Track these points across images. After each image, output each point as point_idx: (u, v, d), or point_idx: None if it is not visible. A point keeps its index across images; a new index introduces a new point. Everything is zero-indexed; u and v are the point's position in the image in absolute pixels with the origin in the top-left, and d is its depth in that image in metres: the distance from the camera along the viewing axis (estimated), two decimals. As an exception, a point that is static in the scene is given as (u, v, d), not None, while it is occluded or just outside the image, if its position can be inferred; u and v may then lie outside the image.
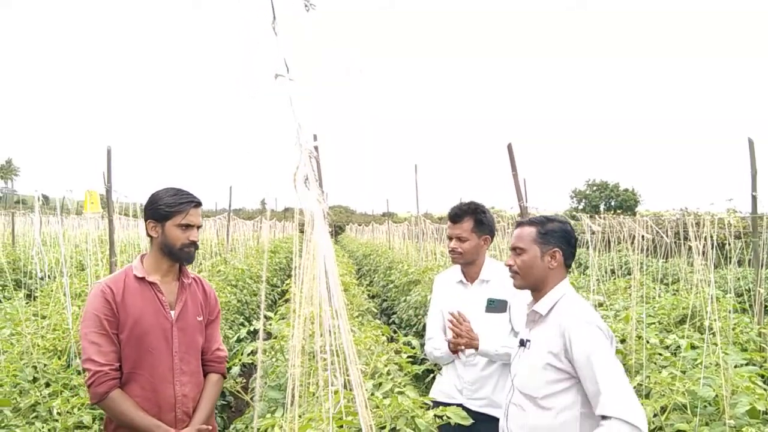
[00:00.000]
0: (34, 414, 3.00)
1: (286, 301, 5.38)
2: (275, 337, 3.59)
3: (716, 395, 2.67)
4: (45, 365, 3.45)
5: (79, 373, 3.54)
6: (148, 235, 2.47)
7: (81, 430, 2.93)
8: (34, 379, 3.31)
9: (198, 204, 2.48)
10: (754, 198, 3.92)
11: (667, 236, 9.82)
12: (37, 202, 5.39)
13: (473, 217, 2.93)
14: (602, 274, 7.87)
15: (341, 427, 1.86)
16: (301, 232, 1.03)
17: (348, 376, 0.99)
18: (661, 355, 3.49)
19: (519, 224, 2.33)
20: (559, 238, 2.21)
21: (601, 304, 5.22)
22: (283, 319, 4.05)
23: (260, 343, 1.03)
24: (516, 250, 2.25)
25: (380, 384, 2.59)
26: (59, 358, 3.66)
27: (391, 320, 7.93)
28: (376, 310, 7.03)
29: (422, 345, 3.23)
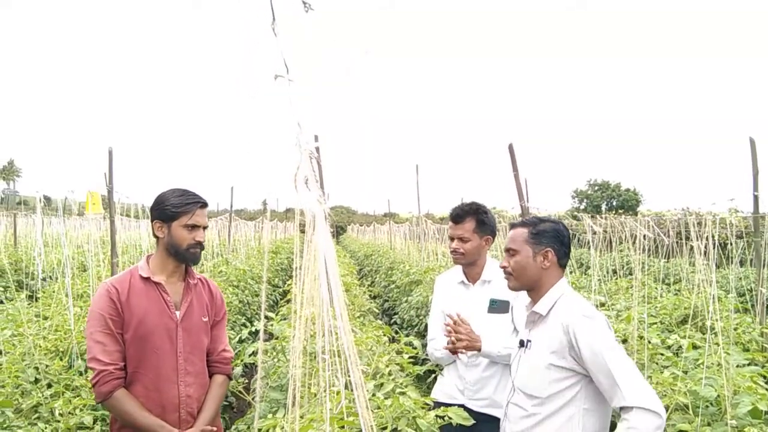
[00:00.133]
0: (36, 415, 3.00)
1: (288, 301, 5.38)
2: (277, 338, 3.59)
3: (718, 395, 2.67)
4: (47, 366, 3.45)
5: (80, 374, 3.55)
6: (155, 235, 2.48)
7: (83, 431, 2.93)
8: (36, 380, 3.32)
9: (204, 205, 2.49)
10: (755, 197, 3.91)
11: (668, 236, 9.81)
12: (39, 203, 5.40)
13: (475, 218, 2.93)
14: (604, 274, 7.86)
15: (342, 427, 1.86)
16: (302, 232, 1.03)
17: (349, 376, 0.99)
18: (662, 355, 3.48)
19: (512, 226, 2.35)
20: (551, 238, 2.23)
21: (602, 305, 5.21)
22: (285, 319, 4.05)
23: (261, 344, 1.03)
24: (509, 252, 2.27)
25: (382, 384, 2.59)
26: (61, 359, 3.67)
27: (392, 321, 7.93)
28: (377, 311, 7.03)
29: (424, 345, 3.23)
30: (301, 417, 1.90)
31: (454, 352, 2.75)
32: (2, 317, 4.88)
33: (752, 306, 4.86)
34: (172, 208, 2.42)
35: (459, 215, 2.95)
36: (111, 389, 2.29)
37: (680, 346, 3.57)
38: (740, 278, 8.12)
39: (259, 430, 2.15)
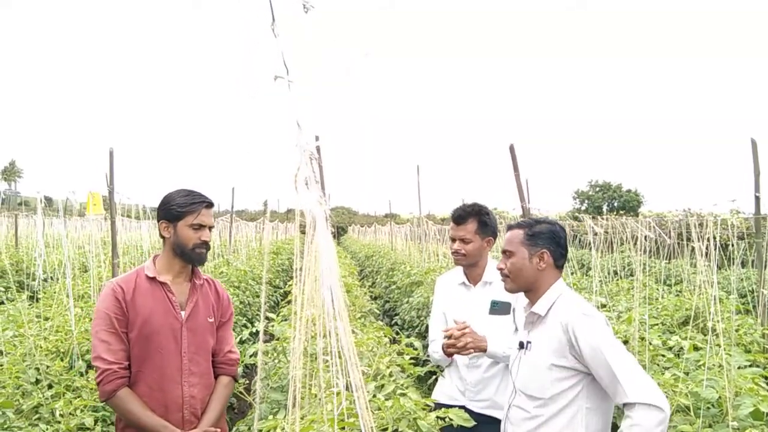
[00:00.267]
0: (37, 416, 3.00)
1: (289, 302, 5.37)
2: (277, 339, 3.59)
3: (719, 397, 2.66)
4: (48, 367, 3.45)
5: (81, 375, 3.55)
6: (161, 235, 2.49)
7: (83, 432, 2.93)
8: (37, 381, 3.32)
9: (210, 204, 2.50)
10: (757, 198, 3.91)
11: (669, 237, 9.80)
12: (40, 204, 5.40)
13: (477, 219, 2.92)
14: (605, 275, 7.85)
15: (343, 429, 1.85)
16: (303, 233, 1.03)
17: (350, 377, 0.99)
18: (663, 356, 3.48)
19: (508, 227, 2.37)
20: (547, 239, 2.23)
21: (603, 306, 5.21)
22: (286, 320, 4.05)
23: (260, 345, 1.02)
24: (506, 253, 2.28)
25: (382, 386, 2.58)
26: (62, 360, 3.67)
27: (393, 321, 7.92)
28: (378, 312, 7.03)
29: (425, 347, 3.22)
30: (302, 418, 1.90)
31: (450, 355, 2.74)
32: (3, 318, 4.89)
33: (753, 307, 4.85)
34: (177, 208, 2.43)
35: (461, 216, 2.95)
36: (115, 388, 2.30)
37: (681, 348, 3.56)
38: (742, 279, 8.11)
39: (260, 431, 2.15)
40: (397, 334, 3.67)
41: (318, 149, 1.05)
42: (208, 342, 2.51)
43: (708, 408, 2.68)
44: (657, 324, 4.64)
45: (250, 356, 3.15)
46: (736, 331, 4.06)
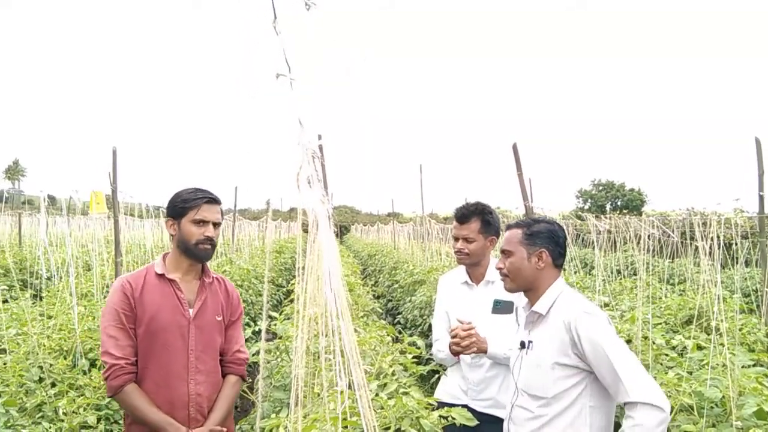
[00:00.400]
0: (40, 414, 3.01)
1: (291, 301, 5.38)
2: (280, 338, 3.59)
3: (723, 396, 2.65)
4: (51, 365, 3.46)
5: (84, 373, 3.56)
6: (170, 234, 2.50)
7: (87, 430, 2.94)
8: (40, 379, 3.33)
9: (212, 200, 2.49)
10: (761, 198, 3.90)
11: (673, 236, 9.77)
12: (43, 203, 5.41)
13: (480, 218, 2.92)
14: (608, 274, 7.84)
15: (345, 427, 1.85)
16: (305, 232, 1.03)
17: (352, 376, 0.98)
18: (667, 355, 3.47)
19: (507, 227, 2.37)
20: (546, 239, 2.23)
21: (607, 305, 5.20)
22: (288, 319, 4.05)
23: (263, 344, 1.02)
24: (505, 253, 2.28)
25: (385, 384, 2.58)
26: (65, 358, 3.68)
27: (396, 320, 7.91)
28: (381, 311, 7.02)
29: (428, 345, 3.22)
30: (305, 417, 1.90)
31: (456, 354, 2.74)
32: (7, 316, 4.90)
33: (757, 306, 4.84)
34: (180, 204, 2.45)
35: (464, 215, 2.95)
36: (122, 383, 2.31)
37: (685, 347, 3.56)
38: (745, 278, 8.09)
39: (262, 429, 2.15)
40: (400, 333, 3.67)
41: (320, 148, 1.05)
42: (216, 340, 2.51)
43: (711, 407, 2.67)
44: (660, 323, 4.62)
45: (253, 355, 3.15)
46: (740, 330, 4.05)
